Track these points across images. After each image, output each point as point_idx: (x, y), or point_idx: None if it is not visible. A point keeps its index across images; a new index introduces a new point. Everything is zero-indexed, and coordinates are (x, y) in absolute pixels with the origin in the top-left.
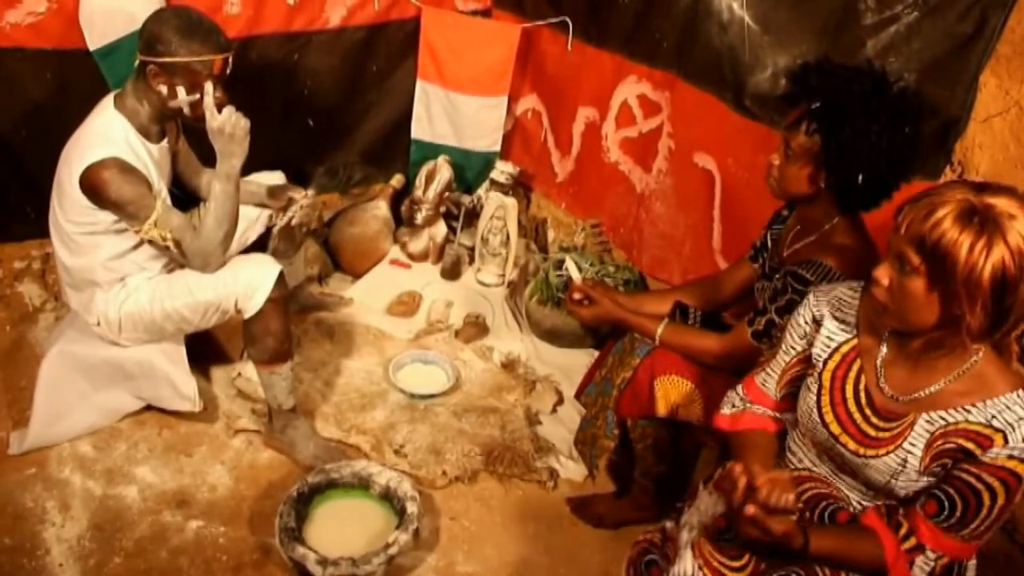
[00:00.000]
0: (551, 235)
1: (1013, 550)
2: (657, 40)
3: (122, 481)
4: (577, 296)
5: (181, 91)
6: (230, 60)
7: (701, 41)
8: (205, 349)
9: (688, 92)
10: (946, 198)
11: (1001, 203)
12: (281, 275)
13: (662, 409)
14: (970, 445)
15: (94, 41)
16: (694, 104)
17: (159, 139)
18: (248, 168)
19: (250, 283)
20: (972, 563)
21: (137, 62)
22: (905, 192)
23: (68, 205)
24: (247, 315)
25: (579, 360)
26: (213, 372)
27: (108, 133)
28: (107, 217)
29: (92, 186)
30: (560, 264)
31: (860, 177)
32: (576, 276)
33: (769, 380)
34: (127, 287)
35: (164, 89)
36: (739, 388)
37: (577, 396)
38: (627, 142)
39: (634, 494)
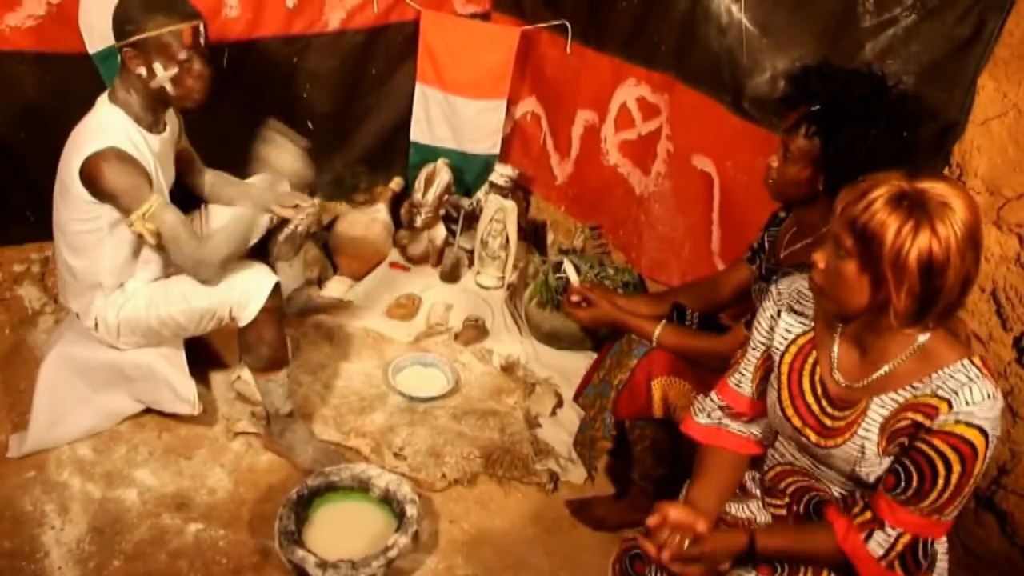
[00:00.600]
0: (550, 238)
1: (1013, 552)
2: (656, 43)
3: (121, 484)
4: (575, 298)
5: (158, 68)
6: (202, 29)
7: (700, 44)
8: (204, 352)
9: (687, 95)
10: (880, 183)
11: (933, 189)
12: (277, 285)
13: (659, 410)
14: (919, 417)
15: (93, 44)
16: (693, 107)
17: (158, 130)
18: (249, 170)
19: (245, 292)
20: (942, 549)
21: (117, 50)
22: None
23: (72, 202)
24: (241, 324)
25: (578, 362)
26: (212, 375)
27: (106, 126)
28: (110, 213)
29: (90, 176)
30: (560, 266)
31: (859, 179)
32: (574, 278)
33: (744, 379)
34: (125, 292)
35: (143, 70)
36: (713, 394)
37: (576, 398)
38: (626, 145)
39: (633, 496)
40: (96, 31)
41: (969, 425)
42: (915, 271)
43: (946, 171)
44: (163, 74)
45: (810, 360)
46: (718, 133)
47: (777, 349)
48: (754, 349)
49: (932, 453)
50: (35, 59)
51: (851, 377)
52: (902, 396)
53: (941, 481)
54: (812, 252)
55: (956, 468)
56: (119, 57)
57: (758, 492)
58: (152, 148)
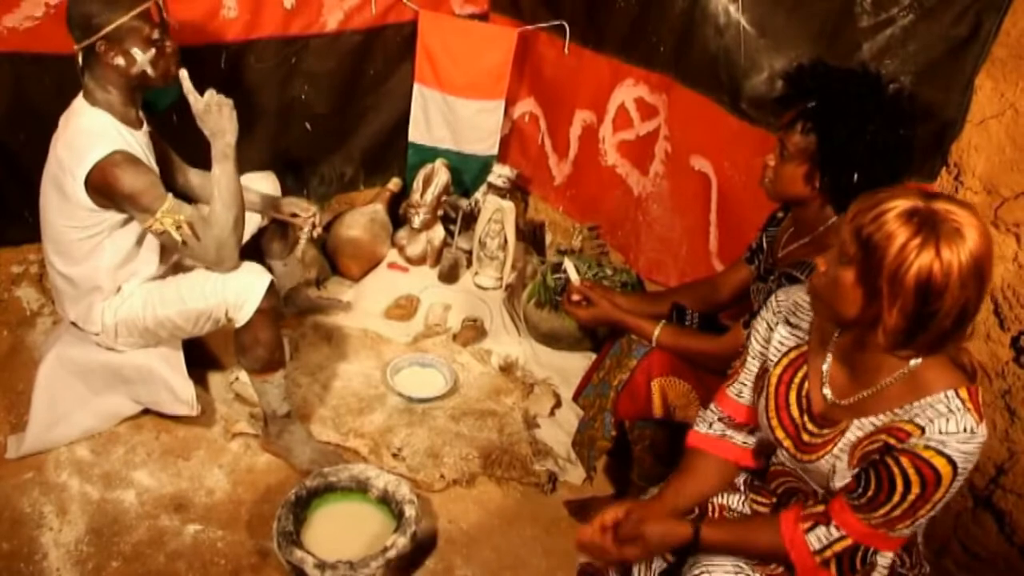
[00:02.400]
0: (549, 238)
1: (1011, 552)
2: (654, 43)
3: (120, 485)
4: (576, 297)
5: (137, 52)
6: (161, 3)
7: (698, 44)
8: (202, 353)
9: (685, 95)
10: (896, 196)
11: (949, 212)
12: (271, 286)
13: (659, 410)
14: (891, 440)
15: None
16: (691, 107)
17: (140, 125)
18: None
19: (240, 293)
20: (885, 561)
21: (80, 52)
22: None
23: (71, 211)
24: (237, 325)
25: (577, 363)
26: (210, 376)
27: (99, 129)
28: (113, 217)
29: (103, 183)
30: (558, 267)
31: (855, 176)
32: (575, 277)
33: (744, 389)
34: (122, 293)
35: (121, 60)
36: (714, 406)
37: (575, 398)
38: (624, 145)
39: (632, 496)
40: None
41: (938, 452)
42: (911, 289)
43: (944, 171)
44: (143, 58)
45: (800, 374)
46: (716, 133)
47: (771, 360)
48: (753, 358)
49: (895, 469)
50: (33, 60)
51: (839, 395)
52: (880, 420)
53: (897, 498)
54: (809, 251)
55: (915, 490)
56: (86, 56)
57: (742, 487)
58: (140, 143)
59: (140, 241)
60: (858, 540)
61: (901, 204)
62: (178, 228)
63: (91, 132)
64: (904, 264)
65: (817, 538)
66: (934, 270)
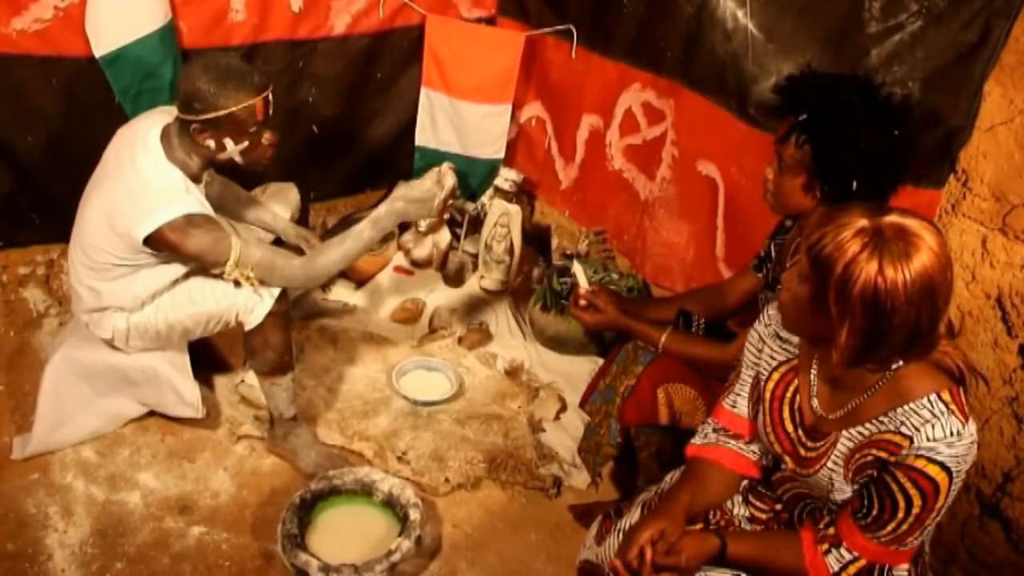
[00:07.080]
0: (555, 242)
1: (1020, 561)
2: (661, 48)
3: (125, 487)
4: (582, 301)
5: (229, 143)
6: (271, 98)
7: (705, 49)
8: (208, 355)
9: (692, 100)
10: (851, 213)
11: (901, 229)
12: (284, 290)
13: (665, 417)
14: (883, 454)
15: (100, 48)
16: (698, 112)
17: (201, 180)
18: (257, 178)
19: (252, 296)
20: (900, 574)
21: (177, 120)
22: (906, 198)
23: (116, 245)
24: (248, 328)
25: (582, 367)
26: (216, 378)
27: (172, 188)
28: (152, 257)
29: (168, 244)
30: (565, 271)
31: (854, 184)
32: (583, 281)
33: (740, 400)
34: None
35: (212, 144)
36: (710, 419)
37: (581, 405)
38: (631, 149)
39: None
40: (103, 35)
41: (930, 461)
42: (857, 307)
43: (952, 177)
44: (233, 148)
45: (791, 388)
46: (723, 138)
47: (763, 374)
48: (747, 369)
49: (894, 486)
50: (41, 63)
51: (826, 407)
52: (868, 430)
53: (901, 514)
54: None
55: (917, 503)
56: (182, 126)
57: (742, 491)
58: (202, 195)
59: (180, 279)
60: (871, 560)
61: (853, 221)
62: (247, 279)
63: (161, 191)
64: (849, 281)
65: (835, 559)
66: (878, 286)
